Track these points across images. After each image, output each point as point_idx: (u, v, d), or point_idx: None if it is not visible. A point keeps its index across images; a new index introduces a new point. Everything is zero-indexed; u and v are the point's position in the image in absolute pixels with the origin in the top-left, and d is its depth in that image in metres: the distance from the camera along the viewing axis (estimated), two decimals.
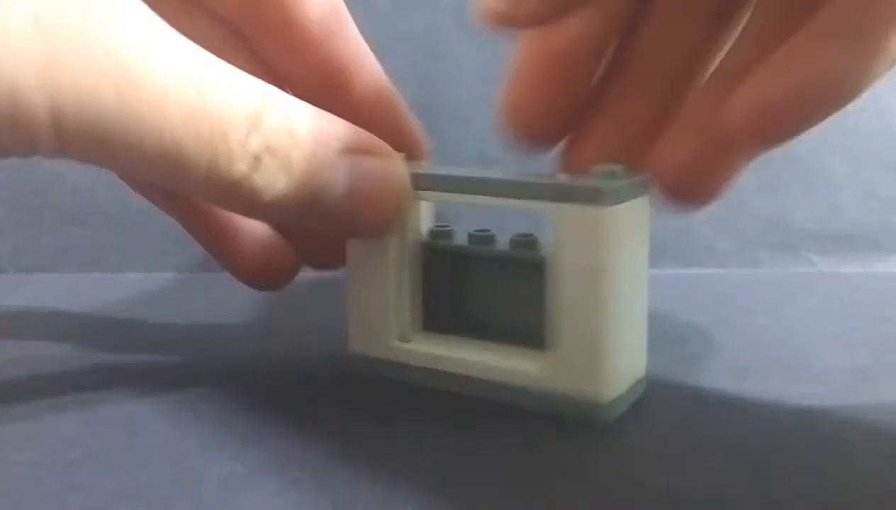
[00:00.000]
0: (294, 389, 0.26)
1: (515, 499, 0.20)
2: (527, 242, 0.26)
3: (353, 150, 0.23)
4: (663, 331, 0.31)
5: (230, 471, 0.21)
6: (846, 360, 0.28)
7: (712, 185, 0.26)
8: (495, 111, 0.27)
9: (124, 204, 0.39)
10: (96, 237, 0.39)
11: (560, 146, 0.28)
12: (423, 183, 0.25)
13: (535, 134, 0.27)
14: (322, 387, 0.26)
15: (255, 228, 0.28)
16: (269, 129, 0.21)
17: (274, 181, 0.21)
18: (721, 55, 0.26)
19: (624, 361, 0.24)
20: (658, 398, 0.25)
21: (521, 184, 0.24)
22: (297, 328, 0.31)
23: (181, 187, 0.22)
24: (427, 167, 0.26)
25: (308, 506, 0.20)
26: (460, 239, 0.27)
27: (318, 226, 0.24)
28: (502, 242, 0.26)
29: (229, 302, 0.34)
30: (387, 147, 0.24)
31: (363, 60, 0.27)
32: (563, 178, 0.24)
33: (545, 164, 0.28)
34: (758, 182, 0.41)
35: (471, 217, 0.27)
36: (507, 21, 0.23)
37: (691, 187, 0.26)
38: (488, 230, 0.27)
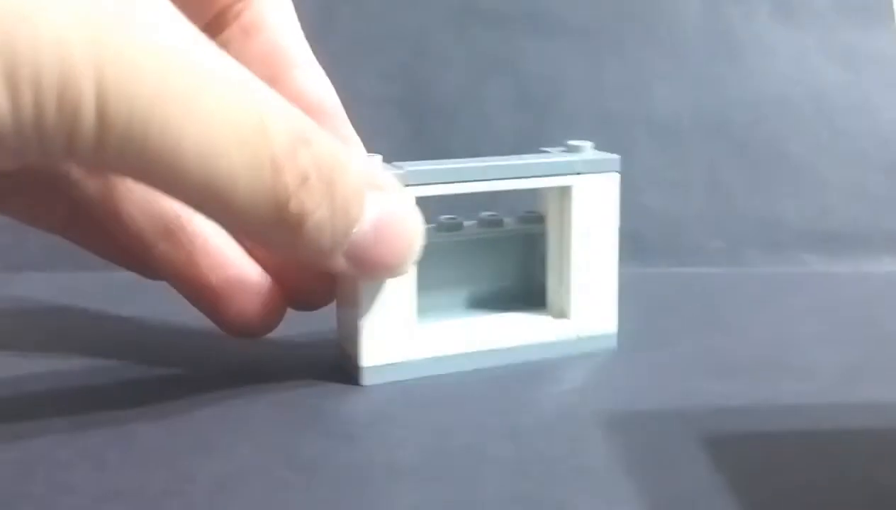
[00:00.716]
0: (285, 389, 0.26)
1: None
2: (498, 219, 0.29)
3: (375, 187, 0.23)
4: (654, 330, 0.31)
5: (221, 471, 0.21)
6: (836, 359, 0.28)
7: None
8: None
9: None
10: None
11: None
12: (419, 177, 0.26)
13: None
14: (313, 388, 0.26)
15: (247, 278, 0.27)
16: (318, 150, 0.21)
17: (320, 203, 0.21)
18: None
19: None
20: (648, 396, 0.26)
21: (546, 165, 0.27)
22: (290, 328, 0.31)
23: (218, 200, 0.20)
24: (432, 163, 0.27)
25: (298, 507, 0.20)
26: (429, 228, 0.28)
27: (340, 266, 0.23)
28: (472, 225, 0.29)
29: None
30: (398, 183, 0.24)
31: (296, 58, 0.28)
32: (566, 155, 0.28)
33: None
34: (748, 182, 0.41)
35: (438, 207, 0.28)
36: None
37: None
38: (454, 216, 0.29)
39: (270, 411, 0.25)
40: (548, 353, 0.28)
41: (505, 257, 0.30)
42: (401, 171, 0.26)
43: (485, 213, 0.29)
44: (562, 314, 0.28)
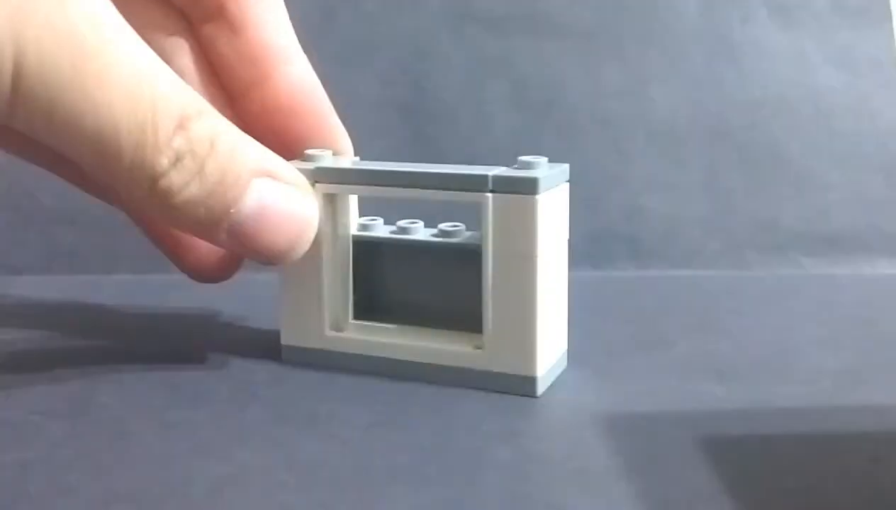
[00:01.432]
0: (284, 392, 0.26)
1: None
2: (456, 231, 0.28)
3: (266, 174, 0.24)
4: (651, 333, 0.31)
5: (219, 473, 0.21)
6: (834, 362, 0.28)
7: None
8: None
9: (112, 206, 0.39)
10: (85, 239, 0.39)
11: None
12: (353, 177, 0.27)
13: None
14: (311, 391, 0.26)
15: None
16: (194, 134, 0.23)
17: (188, 182, 0.23)
18: None
19: (552, 336, 0.26)
20: (646, 399, 0.26)
21: (458, 176, 0.26)
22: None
23: (106, 172, 0.23)
24: (361, 163, 0.28)
25: (296, 508, 0.20)
26: (386, 230, 0.29)
27: (225, 243, 0.25)
28: (426, 232, 0.29)
29: (219, 304, 0.34)
30: (302, 178, 0.26)
31: (292, 53, 0.29)
32: (495, 170, 0.26)
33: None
34: (746, 184, 0.41)
35: (397, 210, 0.28)
36: None
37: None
38: (416, 221, 0.29)
39: (269, 413, 0.25)
40: (460, 382, 0.26)
41: (458, 270, 0.27)
42: (310, 168, 0.26)
43: (445, 224, 0.28)
44: (480, 345, 0.26)
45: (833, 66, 0.42)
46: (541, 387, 0.26)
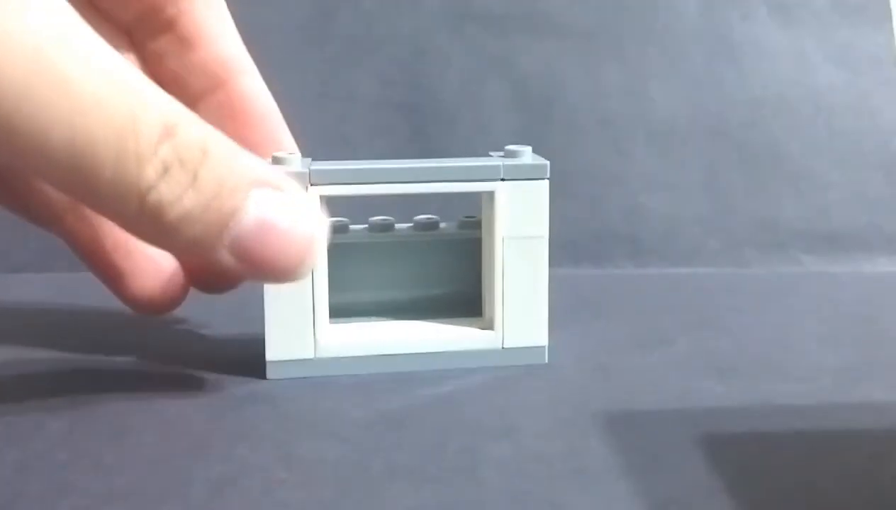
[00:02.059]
0: (281, 390, 0.26)
1: None
2: (434, 223, 0.29)
3: (265, 184, 0.22)
4: (651, 331, 0.31)
5: (218, 473, 0.21)
6: (834, 360, 0.28)
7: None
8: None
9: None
10: None
11: None
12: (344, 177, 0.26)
13: None
14: (307, 389, 0.26)
15: (149, 258, 0.28)
16: (181, 142, 0.21)
17: (181, 195, 0.20)
18: None
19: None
20: (646, 396, 0.26)
21: (469, 168, 0.27)
22: None
23: (87, 191, 0.20)
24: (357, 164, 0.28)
25: (295, 507, 0.20)
26: (361, 230, 0.29)
27: (229, 264, 0.22)
28: (404, 228, 0.29)
29: (218, 303, 0.34)
30: (300, 188, 0.23)
31: (243, 65, 0.28)
32: (496, 160, 0.27)
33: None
34: (746, 182, 0.41)
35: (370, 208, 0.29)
36: None
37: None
38: (387, 218, 0.29)
39: (269, 411, 0.25)
40: (471, 363, 0.27)
41: (442, 262, 0.29)
42: (304, 170, 0.26)
43: (420, 216, 0.29)
44: (487, 325, 0.28)
45: (833, 65, 0.42)
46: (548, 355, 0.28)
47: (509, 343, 0.27)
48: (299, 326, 0.27)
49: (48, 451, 0.22)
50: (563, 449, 0.22)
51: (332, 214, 0.28)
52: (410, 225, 0.29)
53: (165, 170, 0.20)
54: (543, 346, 0.28)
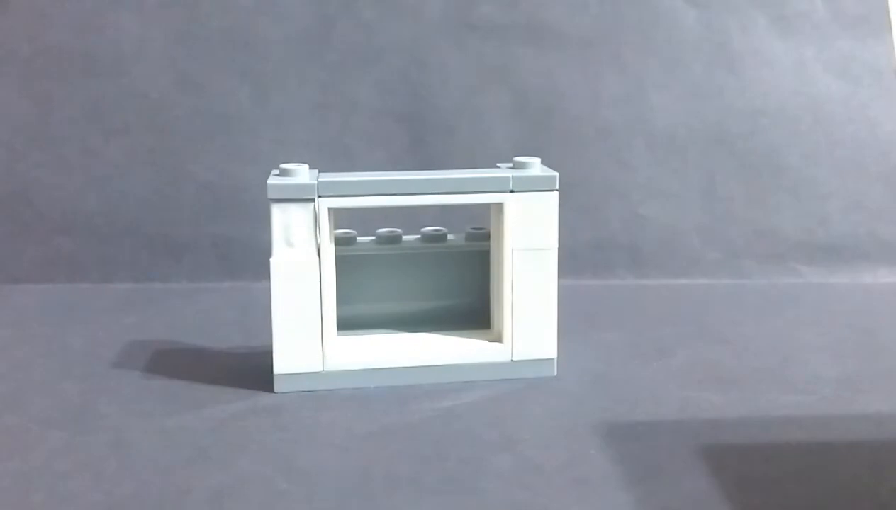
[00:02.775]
0: (283, 401, 0.26)
1: None
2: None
3: None
4: (652, 341, 0.31)
5: (218, 483, 0.21)
6: (833, 371, 0.28)
7: None
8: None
9: (111, 215, 0.39)
10: (83, 248, 0.39)
11: None
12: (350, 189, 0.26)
13: None
14: (311, 400, 0.26)
15: None
16: None
17: None
18: None
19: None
20: (645, 407, 0.26)
21: (480, 180, 0.27)
22: None
23: None
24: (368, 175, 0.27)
25: None
26: (368, 241, 0.29)
27: None
28: (414, 240, 0.29)
29: (216, 312, 0.34)
30: None
31: None
32: (506, 171, 0.27)
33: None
34: (746, 193, 0.41)
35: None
36: None
37: None
38: (394, 230, 0.29)
39: (269, 421, 0.25)
40: (480, 376, 0.27)
41: (450, 274, 0.29)
42: (313, 182, 0.26)
43: (427, 228, 0.29)
44: (496, 337, 0.28)
45: (833, 75, 0.42)
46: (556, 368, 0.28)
47: (518, 356, 0.27)
48: (307, 340, 0.26)
49: (48, 461, 0.22)
50: (563, 459, 0.22)
51: (337, 226, 0.28)
52: (418, 236, 0.29)
53: None
54: (552, 359, 0.28)
